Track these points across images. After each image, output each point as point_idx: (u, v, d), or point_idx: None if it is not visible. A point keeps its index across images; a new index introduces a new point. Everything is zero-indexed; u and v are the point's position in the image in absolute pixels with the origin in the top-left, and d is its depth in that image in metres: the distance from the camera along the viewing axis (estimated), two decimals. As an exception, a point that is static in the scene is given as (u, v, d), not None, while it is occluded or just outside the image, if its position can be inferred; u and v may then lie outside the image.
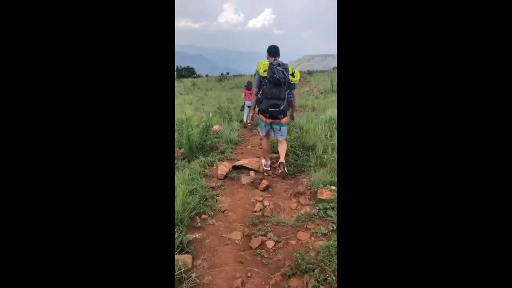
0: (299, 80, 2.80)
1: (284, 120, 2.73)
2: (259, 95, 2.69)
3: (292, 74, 2.61)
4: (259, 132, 3.30)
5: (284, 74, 2.53)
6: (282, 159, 2.75)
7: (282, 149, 2.80)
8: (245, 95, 5.92)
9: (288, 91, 2.64)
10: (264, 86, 2.61)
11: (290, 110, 2.85)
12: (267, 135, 2.90)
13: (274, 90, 2.55)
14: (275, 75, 2.49)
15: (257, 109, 2.84)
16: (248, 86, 5.95)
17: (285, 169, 2.75)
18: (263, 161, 3.01)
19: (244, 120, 5.71)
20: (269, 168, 2.96)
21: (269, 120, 2.69)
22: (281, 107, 2.59)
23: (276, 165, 2.85)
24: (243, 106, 5.96)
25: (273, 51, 2.64)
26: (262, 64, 2.61)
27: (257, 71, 2.65)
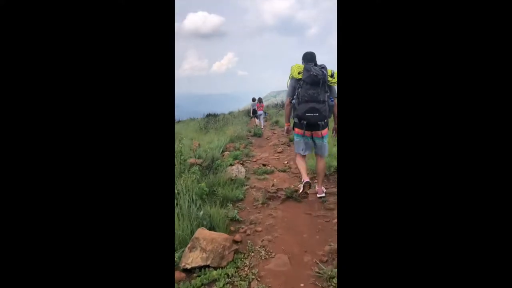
0: None
1: (325, 131, 2.36)
2: (293, 101, 2.31)
3: (332, 75, 2.24)
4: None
5: (323, 72, 2.20)
6: (320, 190, 2.50)
7: (320, 170, 2.48)
8: (257, 107, 8.77)
9: (328, 93, 2.23)
10: (300, 89, 2.24)
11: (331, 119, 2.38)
12: (305, 152, 2.48)
13: (311, 91, 2.19)
14: (311, 73, 2.18)
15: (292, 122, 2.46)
16: (260, 100, 8.93)
17: (324, 193, 2.49)
18: (303, 178, 2.44)
19: (261, 124, 8.59)
20: (308, 179, 2.41)
21: (307, 133, 2.34)
22: (321, 112, 2.18)
23: (315, 190, 2.55)
24: (254, 112, 8.96)
25: (308, 57, 2.35)
26: (296, 66, 2.30)
27: (291, 77, 2.32)
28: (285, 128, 2.63)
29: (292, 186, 2.90)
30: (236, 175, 3.25)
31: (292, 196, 2.60)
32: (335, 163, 3.26)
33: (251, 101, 9.80)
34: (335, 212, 2.25)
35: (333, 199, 2.49)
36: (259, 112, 8.69)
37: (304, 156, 2.52)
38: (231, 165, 3.63)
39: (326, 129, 2.38)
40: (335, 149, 3.94)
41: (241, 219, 2.28)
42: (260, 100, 9.04)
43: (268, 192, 2.70)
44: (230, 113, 16.93)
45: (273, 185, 3.00)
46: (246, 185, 3.07)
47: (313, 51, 2.36)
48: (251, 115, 9.79)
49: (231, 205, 2.53)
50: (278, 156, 4.58)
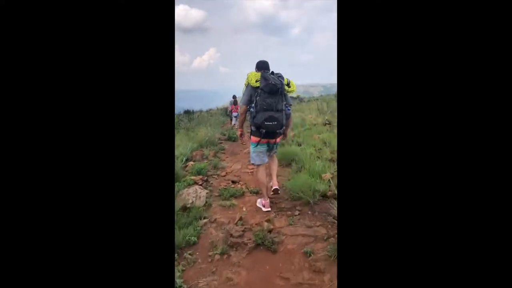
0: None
1: (279, 139, 2.41)
2: (251, 109, 2.24)
3: (288, 84, 2.27)
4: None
5: (281, 81, 2.20)
6: (275, 183, 2.56)
7: (274, 166, 2.59)
8: (232, 109, 8.85)
9: (285, 102, 2.27)
10: (258, 97, 2.20)
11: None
12: (263, 162, 2.42)
13: (269, 100, 2.16)
14: (270, 82, 2.14)
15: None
16: (235, 102, 8.79)
17: (278, 192, 2.53)
18: (260, 201, 2.49)
19: (233, 123, 8.66)
20: (269, 209, 2.39)
21: (264, 140, 2.32)
22: (279, 120, 2.20)
23: (269, 188, 2.58)
24: (231, 115, 8.96)
25: (261, 66, 2.32)
26: (253, 74, 2.25)
27: (247, 84, 2.27)
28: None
29: (266, 223, 2.15)
30: (193, 202, 2.46)
31: (263, 243, 1.86)
32: (320, 186, 2.56)
33: (231, 98, 9.20)
34: (325, 277, 1.54)
35: (321, 248, 1.78)
36: (234, 114, 8.87)
37: (264, 167, 2.48)
38: (189, 185, 2.82)
39: (280, 137, 2.41)
40: (318, 163, 3.27)
41: (185, 287, 1.50)
42: (235, 102, 8.96)
43: (231, 235, 1.93)
44: (208, 111, 16.05)
45: (240, 218, 2.24)
46: (204, 218, 2.29)
47: (267, 60, 2.38)
48: (228, 114, 9.58)
49: (176, 256, 1.75)
50: (252, 169, 3.83)
